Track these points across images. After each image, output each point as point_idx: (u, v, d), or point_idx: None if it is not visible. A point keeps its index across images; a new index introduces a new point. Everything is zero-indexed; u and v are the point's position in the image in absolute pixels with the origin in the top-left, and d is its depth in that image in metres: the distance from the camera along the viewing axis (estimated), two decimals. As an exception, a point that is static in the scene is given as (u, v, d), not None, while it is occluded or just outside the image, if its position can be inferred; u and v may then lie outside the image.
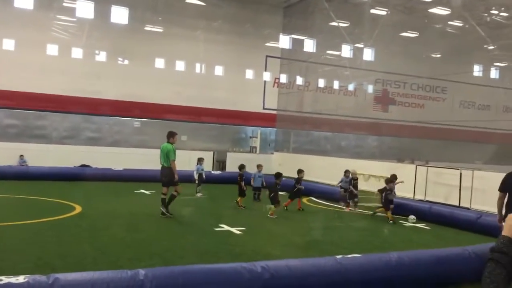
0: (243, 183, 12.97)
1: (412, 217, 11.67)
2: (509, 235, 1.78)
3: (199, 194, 14.70)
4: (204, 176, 15.34)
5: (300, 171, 13.02)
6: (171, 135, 11.14)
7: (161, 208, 10.56)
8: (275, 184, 11.88)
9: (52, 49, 23.23)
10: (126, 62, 25.15)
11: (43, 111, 23.02)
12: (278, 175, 12.18)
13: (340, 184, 13.94)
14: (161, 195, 10.79)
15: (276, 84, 28.51)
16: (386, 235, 10.04)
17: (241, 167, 13.60)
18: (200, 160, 15.57)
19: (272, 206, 11.33)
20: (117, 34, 24.23)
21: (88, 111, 23.86)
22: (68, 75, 22.78)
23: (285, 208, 12.39)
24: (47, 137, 22.77)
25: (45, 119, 23.14)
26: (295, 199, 12.76)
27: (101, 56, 24.54)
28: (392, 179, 12.27)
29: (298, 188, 12.75)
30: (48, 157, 19.27)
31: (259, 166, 14.08)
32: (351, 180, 13.42)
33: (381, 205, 12.00)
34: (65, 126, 23.75)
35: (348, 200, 13.40)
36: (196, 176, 15.17)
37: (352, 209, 13.22)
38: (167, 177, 10.69)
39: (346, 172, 13.80)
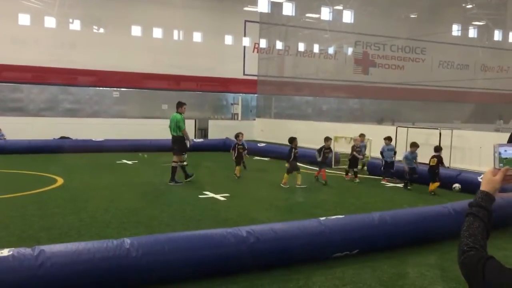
0: (234, 153, 12.20)
1: (457, 185, 10.79)
2: (487, 189, 1.81)
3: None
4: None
5: (327, 139, 12.14)
6: (179, 105, 11.48)
7: (175, 180, 10.99)
8: (291, 149, 11.17)
9: (24, 19, 22.51)
10: (101, 30, 24.53)
11: (18, 83, 22.48)
12: (292, 140, 11.44)
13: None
14: (171, 163, 11.16)
15: (256, 50, 28.21)
16: (368, 197, 10.21)
17: (238, 135, 12.58)
18: (239, 135, 14.77)
19: (299, 174, 10.96)
20: (91, 2, 23.53)
21: (65, 82, 23.38)
22: (42, 46, 22.19)
23: (316, 178, 11.92)
24: (24, 109, 22.34)
25: (21, 92, 22.64)
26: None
27: (75, 25, 23.88)
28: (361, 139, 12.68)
29: (325, 157, 11.91)
30: (26, 130, 18.93)
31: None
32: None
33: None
34: (42, 98, 23.29)
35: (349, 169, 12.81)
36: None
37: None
38: (178, 145, 11.19)
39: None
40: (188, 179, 11.19)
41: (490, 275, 1.59)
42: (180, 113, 11.32)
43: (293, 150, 11.21)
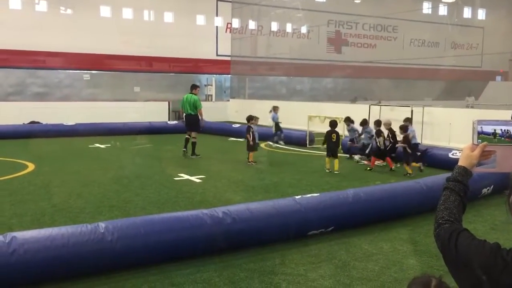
0: (250, 137, 11.44)
1: (357, 157, 11.57)
2: (464, 164, 1.84)
3: (276, 144, 14.43)
4: (280, 126, 15.08)
5: (378, 123, 11.22)
6: (194, 87, 12.72)
7: (183, 149, 12.51)
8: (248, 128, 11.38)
9: (-13, 0, 21.70)
10: (69, 11, 23.84)
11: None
12: (250, 118, 11.49)
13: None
14: (185, 135, 12.60)
15: (228, 30, 27.92)
16: (342, 175, 10.33)
17: (250, 118, 11.85)
18: (275, 109, 15.33)
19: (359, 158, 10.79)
20: (57, -19, 22.82)
21: (33, 65, 22.74)
22: (7, 28, 21.47)
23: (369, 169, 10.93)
24: (-10, 94, 21.68)
25: (-14, 76, 21.95)
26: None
27: (42, 6, 23.14)
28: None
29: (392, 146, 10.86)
30: (-6, 115, 18.40)
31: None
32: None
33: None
34: (9, 82, 22.63)
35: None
36: (273, 125, 15.16)
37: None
38: (193, 123, 12.36)
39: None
40: (194, 156, 12.31)
41: (461, 246, 1.63)
42: (195, 94, 12.55)
43: (251, 128, 11.41)
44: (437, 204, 1.82)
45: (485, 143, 1.81)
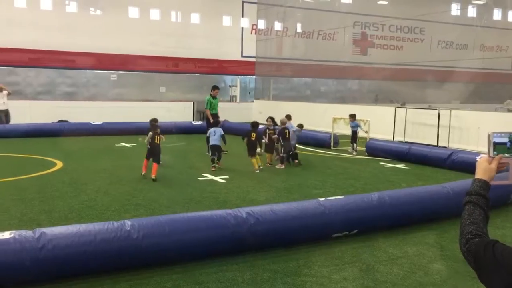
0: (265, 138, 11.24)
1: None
2: (484, 177, 1.85)
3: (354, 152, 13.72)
4: (358, 133, 13.93)
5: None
6: (211, 89, 13.34)
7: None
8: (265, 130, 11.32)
9: (20, 1, 22.29)
10: (98, 12, 24.28)
11: (14, 66, 22.34)
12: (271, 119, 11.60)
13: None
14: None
15: (253, 31, 27.99)
16: (367, 178, 10.24)
17: (273, 119, 11.73)
18: (352, 116, 14.13)
19: None
20: (87, -17, 23.28)
21: (62, 65, 23.23)
22: (38, 28, 21.99)
23: None
24: (21, 93, 22.20)
25: (17, 75, 22.50)
26: None
27: (72, 7, 23.64)
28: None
29: None
30: (24, 113, 18.85)
31: (268, 120, 11.86)
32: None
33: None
34: (40, 81, 23.16)
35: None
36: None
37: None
38: (207, 122, 12.88)
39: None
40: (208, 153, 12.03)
41: (501, 257, 1.63)
42: (211, 95, 13.07)
43: (268, 130, 11.33)
44: (461, 219, 1.82)
45: (500, 155, 1.83)
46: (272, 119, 11.77)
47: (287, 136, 11.32)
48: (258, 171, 10.49)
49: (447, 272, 4.95)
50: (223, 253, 5.15)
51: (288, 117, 12.06)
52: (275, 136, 11.28)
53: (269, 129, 11.43)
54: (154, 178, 9.27)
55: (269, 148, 11.38)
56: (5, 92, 17.62)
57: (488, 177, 1.85)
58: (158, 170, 9.47)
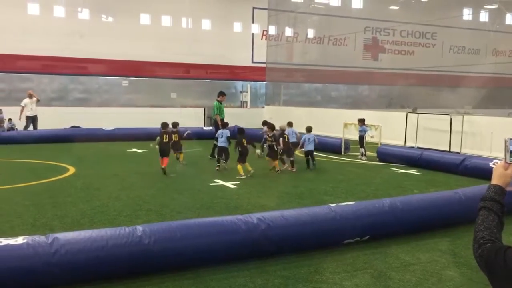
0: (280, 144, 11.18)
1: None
2: (499, 183, 1.84)
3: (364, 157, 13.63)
4: (364, 139, 13.82)
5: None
6: (218, 95, 13.73)
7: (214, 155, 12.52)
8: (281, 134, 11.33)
9: (33, 8, 22.58)
10: (110, 19, 24.54)
11: (28, 73, 22.61)
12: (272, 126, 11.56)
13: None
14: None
15: (264, 37, 28.06)
16: (378, 183, 10.18)
17: (267, 122, 12.01)
18: (361, 121, 14.07)
19: None
20: (99, -10, 23.54)
21: (75, 71, 23.48)
22: (52, 35, 22.27)
23: None
24: (34, 99, 22.44)
25: (31, 81, 22.77)
26: None
27: (84, 14, 23.91)
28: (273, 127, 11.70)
29: None
30: (38, 120, 19.02)
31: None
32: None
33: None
34: (53, 87, 23.43)
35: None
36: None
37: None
38: (216, 127, 12.97)
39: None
40: (211, 157, 12.75)
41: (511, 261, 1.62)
42: (218, 101, 13.41)
43: (267, 137, 11.41)
44: (475, 224, 1.81)
45: None
46: (267, 123, 12.16)
47: (286, 140, 11.34)
48: (244, 177, 10.26)
49: (460, 279, 4.90)
50: (234, 259, 5.14)
51: (290, 124, 12.09)
52: (274, 143, 11.16)
53: (268, 136, 11.41)
54: (163, 168, 10.37)
55: (273, 154, 11.24)
56: (34, 98, 17.91)
57: (504, 183, 1.84)
58: (170, 176, 9.49)
